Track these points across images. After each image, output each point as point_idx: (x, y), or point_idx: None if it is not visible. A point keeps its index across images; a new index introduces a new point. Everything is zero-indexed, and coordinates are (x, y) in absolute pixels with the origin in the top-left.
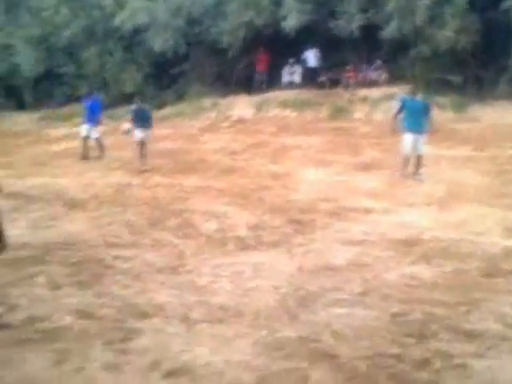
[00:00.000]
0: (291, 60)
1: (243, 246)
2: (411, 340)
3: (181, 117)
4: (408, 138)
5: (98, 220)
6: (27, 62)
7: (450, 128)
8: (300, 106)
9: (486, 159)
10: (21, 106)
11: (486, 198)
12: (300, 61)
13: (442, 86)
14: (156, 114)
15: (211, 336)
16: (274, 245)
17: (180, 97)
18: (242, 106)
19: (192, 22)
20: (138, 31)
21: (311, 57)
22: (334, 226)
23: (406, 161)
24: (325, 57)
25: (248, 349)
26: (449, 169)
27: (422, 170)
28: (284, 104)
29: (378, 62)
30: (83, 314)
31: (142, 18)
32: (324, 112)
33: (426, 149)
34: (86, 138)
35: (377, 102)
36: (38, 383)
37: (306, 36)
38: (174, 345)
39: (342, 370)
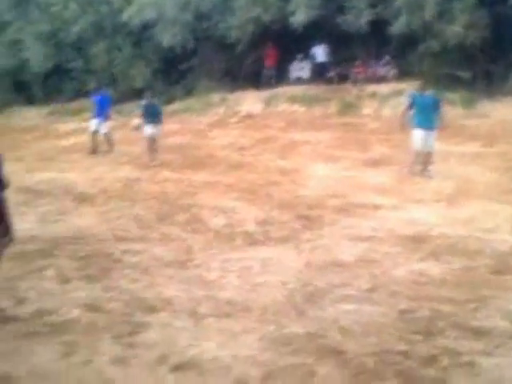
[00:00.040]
0: (300, 55)
1: (251, 241)
2: (419, 337)
3: (189, 112)
4: (418, 134)
5: (106, 214)
6: (36, 57)
7: (459, 124)
8: (308, 101)
9: (495, 155)
10: (30, 101)
11: (495, 195)
12: (308, 56)
13: (451, 81)
14: (165, 110)
15: (219, 331)
16: (282, 240)
17: (188, 92)
18: (250, 101)
19: (200, 17)
20: (146, 26)
21: (320, 52)
22: (343, 221)
23: (417, 157)
24: (333, 52)
25: (255, 344)
26: (457, 165)
27: (431, 167)
28: (292, 99)
29: (387, 58)
30: (91, 307)
31: (149, 14)
32: (332, 108)
33: (435, 145)
34: (95, 133)
35: (385, 98)
36: (46, 375)
37: (315, 31)
38: (182, 339)
39: (348, 366)
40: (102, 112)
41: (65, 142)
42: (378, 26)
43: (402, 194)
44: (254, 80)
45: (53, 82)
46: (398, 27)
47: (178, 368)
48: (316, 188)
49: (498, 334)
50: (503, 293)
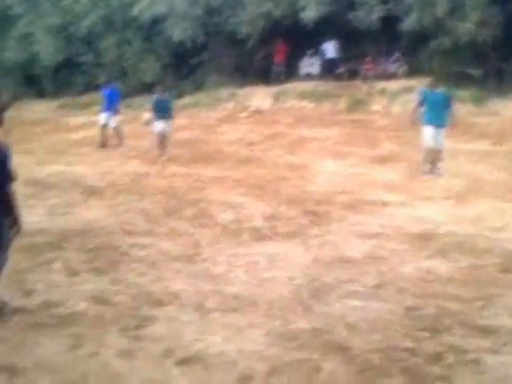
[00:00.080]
0: (310, 51)
1: (259, 236)
2: (425, 334)
3: (198, 107)
4: (429, 131)
5: (114, 208)
6: (47, 50)
7: (469, 122)
8: (318, 97)
9: (504, 154)
10: (40, 94)
11: (504, 193)
12: (318, 52)
13: (461, 79)
14: (174, 104)
15: (225, 325)
16: (290, 236)
17: (198, 87)
18: (259, 96)
19: (211, 11)
20: (156, 21)
21: (330, 48)
22: (350, 218)
23: (429, 154)
24: (343, 48)
25: (261, 339)
26: (466, 163)
27: (440, 164)
28: (302, 95)
29: (397, 55)
30: (99, 300)
31: (160, 8)
32: (342, 104)
33: (445, 143)
34: (105, 127)
35: (395, 95)
36: (52, 367)
37: (325, 27)
38: (188, 333)
39: (354, 363)
40: (111, 106)
41: (74, 136)
42: (389, 23)
43: (411, 192)
44: (264, 76)
45: (63, 76)
46: (409, 24)
47: (183, 362)
48: (324, 184)
49: (505, 332)
50: (510, 291)
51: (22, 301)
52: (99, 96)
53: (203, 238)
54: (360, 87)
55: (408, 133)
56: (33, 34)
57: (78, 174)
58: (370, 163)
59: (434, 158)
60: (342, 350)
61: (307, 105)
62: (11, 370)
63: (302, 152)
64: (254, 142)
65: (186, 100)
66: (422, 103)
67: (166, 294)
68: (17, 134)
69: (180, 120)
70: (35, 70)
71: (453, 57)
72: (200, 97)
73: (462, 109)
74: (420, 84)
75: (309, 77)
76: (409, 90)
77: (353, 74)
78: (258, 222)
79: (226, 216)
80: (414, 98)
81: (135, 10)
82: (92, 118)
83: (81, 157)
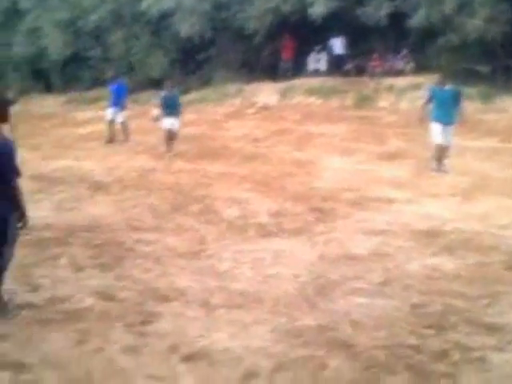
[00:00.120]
0: (317, 47)
1: (264, 232)
2: (430, 331)
3: (205, 102)
4: (437, 129)
5: (121, 203)
6: (55, 45)
7: (476, 119)
8: (325, 93)
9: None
10: (48, 88)
11: (511, 191)
12: (326, 48)
13: (469, 76)
14: (181, 100)
15: (230, 321)
16: (295, 232)
17: (205, 82)
18: (266, 92)
19: (219, 6)
20: (164, 16)
21: (337, 44)
22: (356, 215)
23: (438, 151)
24: (351, 44)
25: (266, 335)
26: (473, 160)
27: (446, 161)
28: (309, 91)
29: (405, 51)
30: (104, 295)
31: (168, 3)
32: (349, 100)
33: (453, 140)
34: (112, 122)
35: (402, 92)
36: (58, 363)
37: (333, 23)
38: (193, 329)
39: (359, 359)
40: (118, 101)
41: (82, 131)
42: (397, 19)
43: (417, 188)
44: (271, 71)
45: (71, 70)
46: (417, 20)
47: (188, 358)
48: (330, 181)
49: (511, 330)
50: None
51: (29, 296)
52: (107, 91)
53: (209, 234)
54: (367, 84)
55: (415, 129)
56: (41, 28)
57: (85, 169)
58: (376, 160)
59: (441, 154)
60: (347, 346)
61: (314, 101)
62: (17, 366)
63: (308, 148)
64: (261, 138)
65: (193, 95)
66: (430, 100)
67: (171, 290)
68: (25, 128)
69: (187, 115)
70: (43, 64)
71: (461, 54)
72: (207, 92)
73: (470, 106)
74: (428, 81)
75: (316, 73)
76: (416, 86)
77: (360, 71)
78: (264, 219)
79: (232, 212)
80: (422, 95)
81: (143, 5)
82: (99, 113)
83: (88, 152)
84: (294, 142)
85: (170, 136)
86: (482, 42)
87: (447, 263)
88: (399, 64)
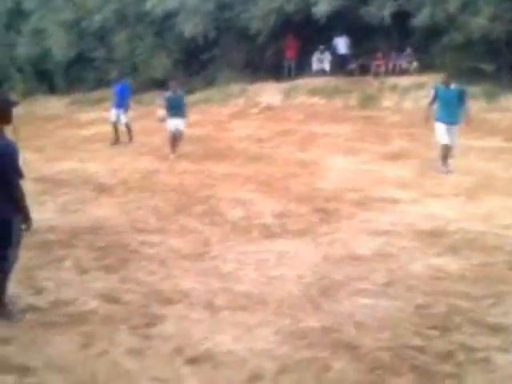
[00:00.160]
0: (321, 47)
1: (268, 233)
2: (435, 332)
3: (209, 103)
4: (441, 129)
5: (125, 205)
6: (59, 45)
7: (481, 118)
8: (329, 93)
9: None
10: (52, 90)
11: None
12: (330, 48)
13: (473, 74)
14: (186, 100)
15: (234, 323)
16: (299, 233)
17: (209, 83)
18: (270, 92)
19: (222, 6)
20: (168, 16)
21: (341, 44)
22: (360, 215)
23: (445, 151)
24: (355, 44)
25: (270, 337)
26: (477, 160)
27: (451, 161)
28: (313, 91)
29: (409, 50)
30: (109, 298)
31: (172, 3)
32: (353, 100)
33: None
34: (116, 123)
35: (406, 91)
36: (62, 367)
37: (337, 22)
38: (198, 331)
39: (364, 361)
40: (122, 102)
41: (86, 132)
42: (401, 18)
43: (421, 189)
44: (275, 71)
45: (75, 71)
46: (420, 19)
47: (193, 360)
48: (334, 181)
49: None
50: None
51: (33, 299)
52: (110, 92)
53: (213, 236)
54: (371, 83)
55: (419, 129)
56: (45, 29)
57: (89, 170)
58: (380, 160)
59: (447, 154)
60: (351, 348)
61: (318, 101)
62: (22, 370)
63: (312, 148)
64: (265, 139)
65: (197, 96)
66: (434, 99)
67: (175, 293)
68: (29, 130)
69: (191, 116)
70: (47, 65)
71: (465, 52)
72: (211, 93)
73: (475, 105)
74: (432, 80)
75: (320, 73)
76: (420, 86)
77: (364, 70)
78: (268, 220)
79: (236, 213)
80: (426, 94)
81: (148, 5)
82: (103, 114)
83: (92, 153)
84: (298, 142)
85: (176, 137)
86: (486, 41)
87: (451, 263)
88: (403, 63)
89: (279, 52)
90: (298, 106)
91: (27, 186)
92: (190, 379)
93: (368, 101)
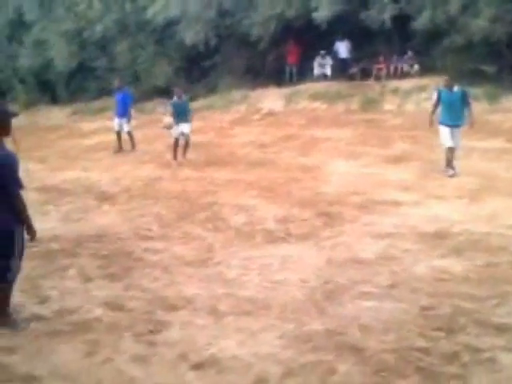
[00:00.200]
0: (322, 52)
1: (272, 238)
2: (439, 333)
3: (211, 110)
4: (446, 131)
5: (128, 213)
6: (61, 56)
7: (483, 119)
8: (330, 98)
9: None
10: (54, 100)
11: None
12: (331, 52)
13: (475, 76)
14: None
15: (239, 329)
16: (303, 238)
17: (211, 90)
18: (272, 98)
19: (223, 14)
20: (169, 24)
21: (342, 48)
22: (363, 218)
23: (450, 153)
24: (356, 48)
25: (275, 341)
26: (480, 161)
27: (455, 163)
28: (314, 96)
29: (410, 54)
30: (113, 306)
31: (173, 11)
32: (355, 104)
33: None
34: (119, 132)
35: (408, 94)
36: (68, 375)
37: (337, 27)
38: (202, 337)
39: (368, 363)
40: (124, 111)
41: (88, 141)
42: (401, 22)
43: (424, 191)
44: (276, 77)
45: (77, 81)
46: (421, 22)
47: (198, 366)
48: (337, 185)
49: None
50: None
51: (37, 308)
52: (112, 101)
53: (216, 242)
54: (373, 87)
55: (421, 132)
56: (46, 40)
57: (92, 179)
58: (383, 163)
59: (451, 157)
60: (356, 351)
61: (320, 106)
62: (27, 379)
63: (314, 153)
64: (267, 144)
65: (199, 103)
66: (438, 102)
67: (179, 299)
68: (31, 140)
69: (194, 123)
70: (49, 75)
71: (466, 54)
72: (213, 100)
73: (477, 106)
74: (433, 82)
75: (321, 77)
76: (422, 88)
77: (365, 74)
78: (271, 225)
79: (239, 219)
80: (427, 97)
81: (149, 14)
82: (106, 123)
83: (94, 162)
84: (300, 147)
85: (182, 143)
86: (487, 42)
87: (455, 265)
88: (404, 66)
89: (280, 58)
90: (299, 111)
91: (30, 195)
92: None
93: (370, 104)
